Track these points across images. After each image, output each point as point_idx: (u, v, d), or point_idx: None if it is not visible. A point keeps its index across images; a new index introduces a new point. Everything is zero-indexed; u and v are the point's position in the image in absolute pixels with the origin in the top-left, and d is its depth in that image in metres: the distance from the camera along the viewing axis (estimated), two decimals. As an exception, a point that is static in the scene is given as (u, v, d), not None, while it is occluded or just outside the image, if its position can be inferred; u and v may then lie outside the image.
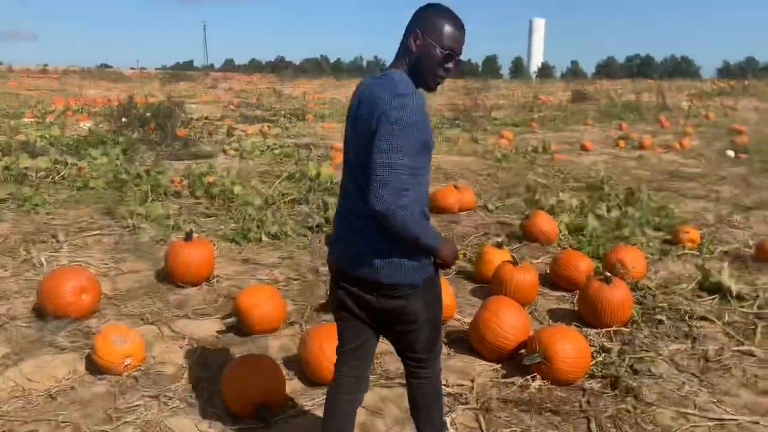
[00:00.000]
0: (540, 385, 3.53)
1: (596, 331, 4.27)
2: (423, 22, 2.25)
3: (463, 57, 2.33)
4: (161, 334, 4.14)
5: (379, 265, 2.28)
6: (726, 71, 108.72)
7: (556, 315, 4.64)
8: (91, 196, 7.97)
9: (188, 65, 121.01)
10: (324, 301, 4.73)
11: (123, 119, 13.84)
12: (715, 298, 4.91)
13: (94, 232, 6.35)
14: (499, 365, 3.79)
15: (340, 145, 13.52)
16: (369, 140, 2.18)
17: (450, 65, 2.27)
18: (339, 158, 11.88)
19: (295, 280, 5.26)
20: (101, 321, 4.31)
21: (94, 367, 3.57)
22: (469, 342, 3.98)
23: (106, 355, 3.49)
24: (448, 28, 2.23)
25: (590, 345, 3.87)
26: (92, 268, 5.30)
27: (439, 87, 2.38)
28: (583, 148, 14.32)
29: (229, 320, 4.18)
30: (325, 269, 5.49)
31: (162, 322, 4.32)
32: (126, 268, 5.41)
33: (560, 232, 6.54)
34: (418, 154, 2.18)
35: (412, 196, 2.18)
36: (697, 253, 6.11)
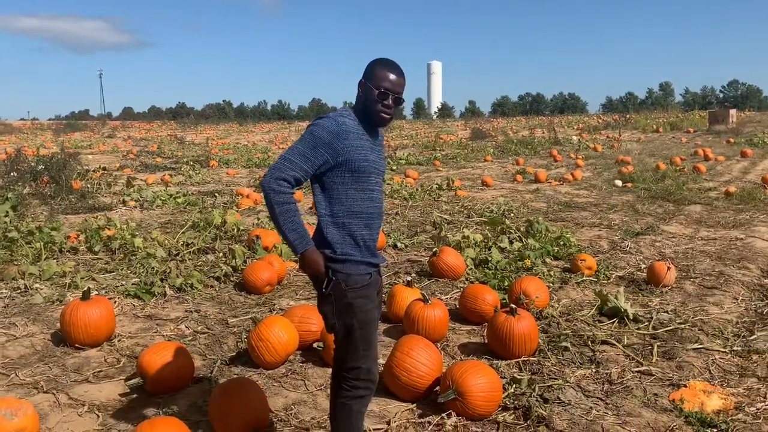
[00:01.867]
0: (456, 422, 3.56)
1: (506, 362, 4.38)
2: (366, 71, 2.69)
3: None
4: (58, 402, 3.87)
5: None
6: (609, 106, 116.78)
7: (467, 349, 4.72)
8: (-24, 257, 7.41)
9: (84, 115, 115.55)
10: (234, 354, 4.59)
11: (12, 173, 13.07)
12: (614, 321, 5.17)
13: (-20, 297, 5.89)
14: (415, 405, 3.79)
15: (246, 190, 13.37)
16: None
17: (388, 102, 2.65)
18: (245, 204, 11.73)
19: (203, 333, 5.08)
20: (-11, 394, 3.97)
21: (-18, 446, 3.28)
22: (384, 383, 3.96)
23: (-5, 431, 3.22)
24: (382, 73, 2.65)
25: (501, 377, 3.96)
26: (-22, 336, 4.91)
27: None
28: (485, 184, 14.86)
29: (133, 381, 3.96)
30: (234, 320, 5.35)
31: (58, 390, 4.03)
32: (17, 333, 5.04)
33: (467, 266, 6.71)
34: (326, 170, 2.59)
35: (324, 204, 2.64)
36: (595, 280, 6.43)
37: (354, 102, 2.80)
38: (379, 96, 2.63)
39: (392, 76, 2.64)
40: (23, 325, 5.22)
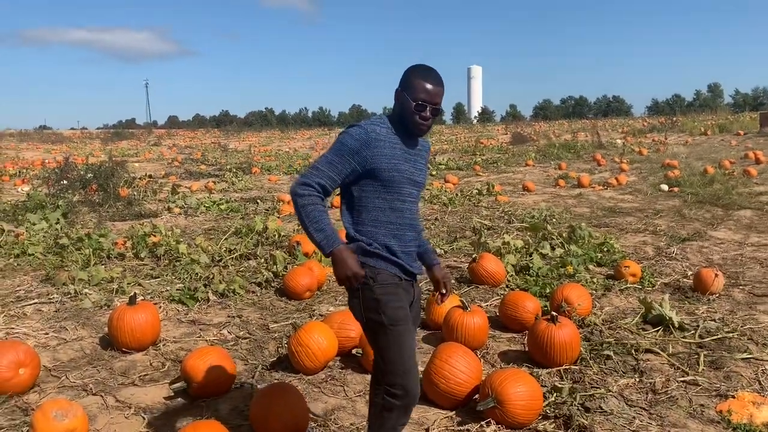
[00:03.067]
0: (495, 431, 3.53)
1: (547, 371, 4.32)
2: (403, 80, 2.65)
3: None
4: (105, 404, 3.99)
5: None
6: (655, 108, 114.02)
7: (507, 357, 4.68)
8: (30, 263, 7.70)
9: (131, 123, 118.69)
10: (275, 359, 4.65)
11: (63, 181, 13.52)
12: (659, 330, 5.05)
13: (33, 301, 6.11)
14: (454, 412, 3.78)
15: (287, 197, 13.53)
16: None
17: (425, 113, 2.61)
18: (286, 210, 11.87)
19: (245, 338, 5.16)
20: (41, 396, 4.12)
21: (34, 446, 3.39)
22: (422, 390, 3.96)
23: (46, 432, 3.33)
24: (419, 83, 2.60)
25: (542, 385, 3.91)
26: (31, 339, 5.10)
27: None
28: (526, 189, 14.71)
29: (177, 385, 4.06)
30: (275, 326, 5.42)
31: (106, 392, 4.16)
32: (68, 337, 5.21)
33: (507, 273, 6.65)
34: (356, 178, 2.60)
35: (350, 211, 2.66)
36: (639, 287, 6.30)
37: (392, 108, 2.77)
38: (416, 108, 2.58)
39: (429, 87, 2.59)
40: (73, 329, 5.39)
